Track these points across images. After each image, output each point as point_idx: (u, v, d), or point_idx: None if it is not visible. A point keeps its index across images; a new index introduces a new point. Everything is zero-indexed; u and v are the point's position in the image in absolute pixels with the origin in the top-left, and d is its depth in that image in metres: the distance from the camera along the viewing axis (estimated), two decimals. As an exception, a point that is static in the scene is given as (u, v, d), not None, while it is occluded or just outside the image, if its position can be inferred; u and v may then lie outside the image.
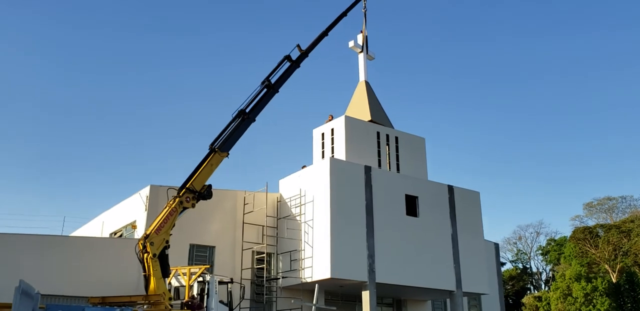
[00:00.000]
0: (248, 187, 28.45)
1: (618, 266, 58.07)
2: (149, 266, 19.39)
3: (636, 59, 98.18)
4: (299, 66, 25.11)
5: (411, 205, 28.94)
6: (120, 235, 28.24)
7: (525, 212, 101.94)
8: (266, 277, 27.30)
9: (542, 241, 75.50)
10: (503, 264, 76.80)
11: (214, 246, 26.82)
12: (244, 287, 24.00)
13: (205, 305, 21.03)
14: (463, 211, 30.75)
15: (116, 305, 18.37)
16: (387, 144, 31.02)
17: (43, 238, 23.63)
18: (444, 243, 29.37)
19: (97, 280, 23.07)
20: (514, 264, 76.40)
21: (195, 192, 21.14)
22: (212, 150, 21.94)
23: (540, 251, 74.91)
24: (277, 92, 24.25)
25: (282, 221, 28.30)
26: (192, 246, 26.20)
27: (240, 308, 25.28)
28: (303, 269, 26.32)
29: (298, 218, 27.57)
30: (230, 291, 22.61)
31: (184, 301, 20.79)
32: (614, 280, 53.79)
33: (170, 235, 20.27)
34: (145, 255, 19.48)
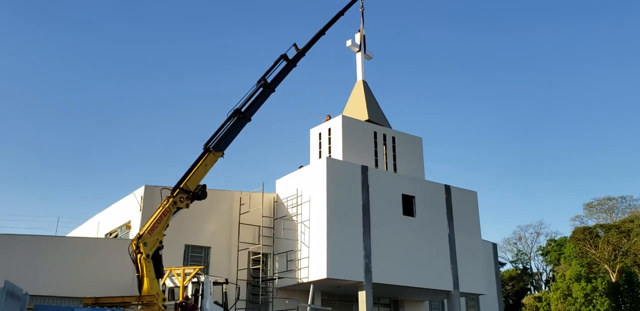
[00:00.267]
0: (246, 187, 28.35)
1: (618, 267, 57.88)
2: (142, 267, 19.22)
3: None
4: (295, 65, 24.92)
5: (408, 205, 28.78)
6: (116, 236, 28.10)
7: (525, 212, 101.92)
8: (262, 278, 27.14)
9: (542, 241, 75.43)
10: (503, 264, 76.66)
11: (209, 247, 26.66)
12: (239, 288, 23.86)
13: (199, 305, 20.85)
14: (460, 211, 30.58)
15: (109, 305, 18.22)
16: (384, 144, 30.86)
17: (37, 239, 23.48)
18: (441, 243, 29.20)
19: (91, 281, 22.92)
20: (514, 264, 76.28)
21: (189, 192, 20.94)
22: (206, 149, 21.74)
23: (540, 252, 74.75)
24: (274, 91, 24.06)
25: (279, 221, 28.15)
26: (187, 247, 26.05)
27: (236, 308, 25.10)
28: (299, 269, 26.16)
29: (295, 218, 27.42)
30: (226, 292, 22.44)
31: (178, 302, 20.60)
32: (613, 280, 53.58)
33: (164, 235, 20.09)
34: (139, 255, 19.31)
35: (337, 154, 28.99)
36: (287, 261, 26.98)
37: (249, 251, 27.42)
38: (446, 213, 30.05)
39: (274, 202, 28.85)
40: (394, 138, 31.24)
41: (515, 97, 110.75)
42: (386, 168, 30.28)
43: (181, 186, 20.84)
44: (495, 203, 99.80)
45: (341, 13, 27.98)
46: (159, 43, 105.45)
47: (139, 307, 19.25)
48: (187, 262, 25.54)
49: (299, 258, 26.38)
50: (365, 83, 33.00)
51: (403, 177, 29.72)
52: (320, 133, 30.58)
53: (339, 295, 28.75)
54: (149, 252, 19.39)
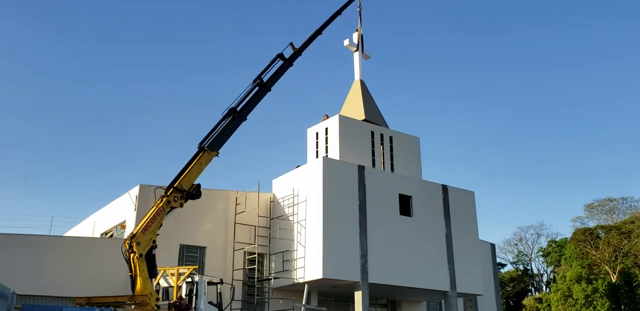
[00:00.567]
0: (243, 187, 28.23)
1: (618, 268, 57.64)
2: (135, 267, 19.09)
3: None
4: (292, 64, 24.79)
5: (405, 205, 28.63)
6: (111, 235, 28.00)
7: (526, 214, 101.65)
8: (258, 278, 27.00)
9: (543, 242, 75.24)
10: (504, 265, 76.43)
11: (204, 247, 26.53)
12: (234, 288, 23.73)
13: (193, 306, 20.72)
14: (457, 211, 30.42)
15: (102, 305, 18.09)
16: (382, 143, 30.74)
17: (31, 238, 23.34)
18: (438, 243, 29.05)
19: (86, 281, 22.81)
20: (514, 266, 76.05)
21: (183, 191, 20.82)
22: (201, 149, 21.62)
23: (541, 253, 74.54)
24: (269, 90, 23.92)
25: (275, 221, 28.01)
26: (182, 247, 25.92)
27: (231, 309, 24.98)
28: (295, 269, 26.02)
29: (291, 218, 27.29)
30: (220, 292, 22.30)
31: (172, 302, 20.47)
32: (614, 282, 53.36)
33: (158, 235, 19.96)
34: (132, 255, 19.19)
35: (334, 154, 28.86)
36: (283, 261, 26.85)
37: (245, 251, 27.28)
38: (443, 213, 29.90)
39: (271, 201, 28.73)
40: (391, 138, 31.11)
41: (515, 97, 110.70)
42: (383, 168, 30.14)
43: (175, 185, 20.72)
44: (496, 204, 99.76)
45: (338, 12, 27.83)
46: (157, 45, 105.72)
47: (132, 307, 19.15)
48: (182, 262, 25.41)
49: (295, 258, 26.25)
50: (362, 82, 32.88)
51: (400, 176, 29.58)
52: (317, 133, 30.46)
53: (335, 295, 28.61)
54: (142, 252, 19.26)
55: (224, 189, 28.15)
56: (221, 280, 22.55)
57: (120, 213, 27.13)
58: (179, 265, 24.59)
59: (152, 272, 19.68)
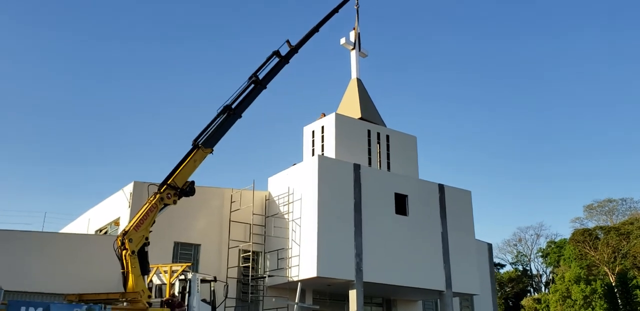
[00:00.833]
0: (240, 185, 28.07)
1: (617, 269, 57.49)
2: (127, 264, 19.03)
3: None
4: (288, 62, 24.77)
5: (401, 204, 28.53)
6: (105, 232, 27.93)
7: (525, 214, 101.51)
8: (252, 276, 26.91)
9: (542, 243, 75.09)
10: (503, 266, 76.30)
11: (199, 244, 26.45)
12: (227, 286, 23.60)
13: (186, 303, 20.62)
14: (454, 210, 30.30)
15: (93, 302, 18.01)
16: (378, 142, 30.62)
17: (24, 235, 23.21)
18: (434, 243, 28.93)
19: (80, 277, 22.73)
20: (513, 266, 75.89)
21: (177, 188, 20.76)
22: (195, 146, 21.56)
23: (540, 254, 74.40)
24: (265, 88, 23.89)
25: (270, 219, 27.94)
26: (176, 244, 25.84)
27: (225, 306, 24.93)
28: (290, 268, 25.94)
29: (286, 216, 27.20)
30: (214, 290, 22.19)
31: (164, 299, 20.39)
32: (613, 283, 53.23)
33: (150, 231, 19.89)
34: (124, 251, 19.12)
35: (330, 152, 28.78)
36: (278, 259, 26.76)
37: (240, 249, 27.20)
38: (439, 212, 29.78)
39: (266, 199, 28.64)
40: (387, 137, 31.01)
41: (516, 98, 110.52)
42: (379, 166, 30.05)
43: (168, 182, 20.66)
44: (496, 205, 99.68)
45: (335, 10, 27.81)
46: (153, 43, 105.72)
47: (124, 304, 19.07)
48: (176, 259, 25.33)
49: (290, 256, 26.16)
50: (359, 81, 32.76)
51: (396, 175, 29.47)
52: (313, 131, 30.37)
53: (330, 293, 28.53)
54: (135, 248, 19.19)
55: (220, 187, 28.08)
56: (215, 277, 22.44)
57: (114, 210, 27.06)
58: (173, 262, 24.51)
59: (145, 269, 19.61)
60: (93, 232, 29.04)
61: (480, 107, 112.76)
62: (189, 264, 21.93)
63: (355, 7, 33.21)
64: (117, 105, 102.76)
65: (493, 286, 35.98)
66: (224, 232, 27.15)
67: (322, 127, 29.85)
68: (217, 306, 22.24)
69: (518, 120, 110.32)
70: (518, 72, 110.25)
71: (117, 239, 19.32)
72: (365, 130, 30.30)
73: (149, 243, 19.75)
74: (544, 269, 74.60)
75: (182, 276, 21.10)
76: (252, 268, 27.07)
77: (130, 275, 18.96)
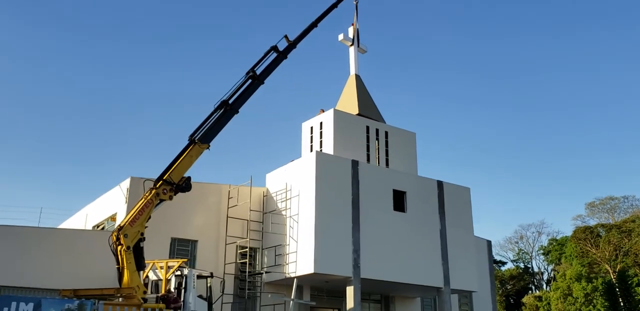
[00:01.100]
0: (238, 181, 28.01)
1: (619, 267, 57.34)
2: (122, 259, 19.01)
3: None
4: (286, 57, 24.64)
5: (399, 200, 28.40)
6: (103, 228, 27.89)
7: (527, 212, 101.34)
8: (250, 272, 26.86)
9: (544, 241, 74.97)
10: (504, 263, 76.20)
11: (196, 240, 26.36)
12: (224, 282, 23.56)
13: (182, 299, 20.56)
14: (452, 207, 30.15)
15: (88, 297, 17.99)
16: (377, 138, 30.48)
17: (20, 230, 23.15)
18: (432, 239, 28.80)
19: (76, 273, 22.66)
20: (515, 263, 75.81)
21: (173, 183, 20.70)
22: (191, 141, 21.48)
23: (541, 251, 74.27)
24: (262, 83, 23.77)
25: (268, 215, 27.86)
26: (173, 240, 25.74)
27: (222, 303, 24.89)
28: (287, 264, 25.86)
29: (284, 212, 27.12)
30: (210, 286, 22.16)
31: (160, 295, 20.36)
32: (614, 280, 53.07)
33: (146, 227, 19.86)
34: (119, 247, 19.10)
35: (329, 148, 28.67)
36: (276, 255, 26.68)
37: (237, 245, 27.13)
38: (438, 209, 29.65)
39: (264, 196, 28.56)
40: (386, 133, 30.88)
41: (518, 98, 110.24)
42: (378, 163, 29.92)
43: (164, 178, 20.60)
44: (497, 203, 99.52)
45: (334, 5, 27.62)
46: (151, 41, 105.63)
47: (120, 299, 19.04)
48: (173, 255, 25.26)
49: (287, 252, 26.08)
50: (358, 77, 32.60)
51: (394, 172, 29.35)
52: (312, 127, 30.26)
53: (327, 290, 28.44)
54: (130, 244, 19.16)
55: (216, 183, 27.99)
56: (211, 273, 22.39)
57: (111, 205, 27.01)
58: (170, 258, 24.45)
59: (140, 265, 19.58)
60: (90, 228, 29.01)
61: (481, 105, 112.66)
62: (185, 260, 21.87)
63: (355, 2, 33.01)
64: (116, 102, 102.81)
65: (492, 284, 35.85)
66: (222, 228, 27.09)
67: (321, 123, 29.74)
68: (213, 302, 22.19)
69: (520, 118, 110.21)
70: (519, 71, 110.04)
71: (112, 234, 19.28)
72: (363, 126, 30.17)
73: (144, 238, 19.73)
74: (545, 267, 74.60)
75: (178, 272, 21.05)
76: (250, 264, 27.01)
77: (125, 270, 18.94)
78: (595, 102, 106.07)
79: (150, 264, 21.39)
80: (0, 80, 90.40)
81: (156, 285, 21.58)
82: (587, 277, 53.56)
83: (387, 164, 30.20)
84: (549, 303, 56.32)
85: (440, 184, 30.24)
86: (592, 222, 67.51)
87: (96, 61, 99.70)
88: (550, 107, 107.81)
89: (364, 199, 26.92)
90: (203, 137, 21.65)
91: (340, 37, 33.08)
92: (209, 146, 21.85)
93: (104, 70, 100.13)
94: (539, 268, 75.05)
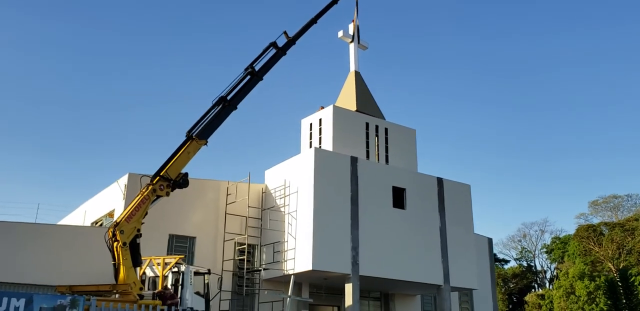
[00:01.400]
0: (239, 178, 27.89)
1: (622, 265, 57.06)
2: (118, 255, 18.95)
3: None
4: (285, 54, 24.61)
5: (398, 197, 28.24)
6: (101, 224, 27.84)
7: (530, 210, 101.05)
8: (248, 269, 26.76)
9: (547, 239, 74.65)
10: (507, 262, 75.97)
11: (194, 237, 26.27)
12: (221, 278, 23.49)
13: (179, 296, 20.49)
14: (452, 204, 29.98)
15: (84, 293, 17.90)
16: (377, 135, 30.34)
17: (17, 226, 23.03)
18: (432, 237, 28.64)
19: (74, 269, 22.58)
20: (518, 262, 75.55)
21: (169, 179, 20.63)
22: (189, 137, 21.41)
23: (544, 250, 74.00)
24: (261, 79, 23.73)
25: (266, 212, 27.75)
26: (171, 237, 25.66)
27: (220, 300, 24.83)
28: (286, 261, 25.76)
29: (282, 209, 27.00)
30: (208, 283, 22.09)
31: (156, 291, 20.27)
32: (616, 278, 52.82)
33: (143, 223, 19.79)
34: (115, 243, 19.04)
35: (328, 145, 28.54)
36: (274, 252, 26.58)
37: (235, 242, 27.05)
38: (438, 206, 29.49)
39: (263, 192, 28.45)
40: (386, 130, 30.72)
41: (520, 97, 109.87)
42: (377, 159, 29.77)
43: (161, 174, 20.52)
44: (500, 201, 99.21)
45: (334, 2, 27.56)
46: (150, 35, 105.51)
47: (116, 296, 18.96)
48: (171, 252, 25.19)
49: (286, 249, 25.98)
50: (358, 73, 32.42)
51: (394, 168, 29.19)
52: (311, 124, 30.14)
53: (326, 287, 28.35)
54: (126, 240, 19.10)
55: (215, 179, 27.90)
56: (209, 270, 22.33)
57: (109, 202, 26.94)
58: (168, 255, 24.38)
59: (136, 261, 19.51)
60: (89, 224, 28.96)
61: (483, 104, 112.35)
62: (182, 256, 21.79)
63: (355, -1, 32.87)
64: (114, 97, 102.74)
65: (493, 282, 35.68)
66: (220, 224, 27.00)
67: (320, 120, 29.61)
68: (210, 299, 22.12)
69: (522, 117, 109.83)
70: (519, 69, 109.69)
71: (108, 230, 19.22)
72: (363, 122, 30.03)
73: (141, 235, 19.65)
74: (548, 265, 74.31)
75: (175, 269, 20.98)
76: (248, 261, 26.92)
77: (121, 266, 18.88)
78: (598, 101, 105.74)
79: (147, 260, 21.33)
80: (5, 75, 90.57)
81: (153, 281, 21.52)
82: (590, 276, 53.32)
83: (386, 161, 30.06)
84: (551, 302, 56.11)
85: (440, 181, 30.07)
86: (596, 220, 67.30)
87: (95, 56, 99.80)
88: (551, 107, 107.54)
89: (363, 196, 26.78)
90: (201, 133, 21.61)
91: (340, 33, 32.91)
92: (207, 142, 21.80)
93: (103, 65, 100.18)
94: (541, 266, 74.86)
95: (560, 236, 72.18)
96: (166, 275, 20.99)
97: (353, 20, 33.14)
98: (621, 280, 48.35)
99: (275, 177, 28.24)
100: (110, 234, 19.11)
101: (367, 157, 29.36)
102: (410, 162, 30.76)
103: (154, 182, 20.29)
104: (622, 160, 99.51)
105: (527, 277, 71.06)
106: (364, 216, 26.48)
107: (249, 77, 23.31)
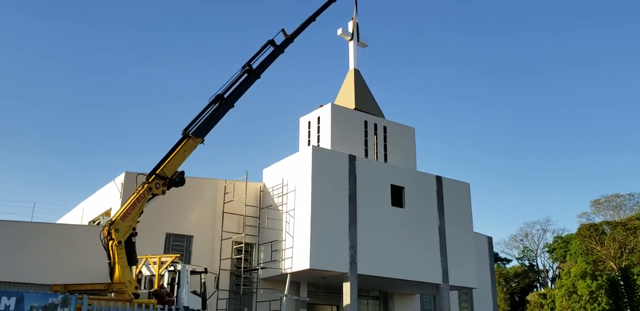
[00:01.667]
0: (236, 176, 27.80)
1: (624, 264, 56.82)
2: (113, 254, 18.86)
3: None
4: (283, 52, 24.47)
5: (397, 196, 28.08)
6: (98, 223, 27.74)
7: (532, 209, 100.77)
8: (245, 268, 26.64)
9: (549, 238, 74.43)
10: (509, 261, 75.77)
11: (191, 236, 26.17)
12: (218, 277, 23.38)
13: (175, 294, 20.37)
14: (452, 202, 29.80)
15: (79, 292, 17.82)
16: (375, 133, 30.19)
17: (14, 225, 23.00)
18: (431, 235, 28.48)
19: (70, 268, 22.52)
20: (520, 261, 75.31)
21: (165, 178, 20.53)
22: (185, 135, 21.30)
23: (546, 249, 73.77)
24: (259, 77, 23.60)
25: (264, 211, 27.63)
26: (168, 236, 25.57)
27: (217, 299, 24.73)
28: (283, 260, 25.63)
29: (280, 208, 26.87)
30: (204, 282, 21.94)
31: (152, 290, 20.17)
32: (618, 278, 52.61)
33: (138, 222, 19.69)
34: (110, 242, 18.94)
35: (326, 143, 28.40)
36: (272, 251, 26.47)
37: (233, 241, 26.93)
38: (437, 204, 29.32)
39: (260, 191, 28.32)
40: (385, 128, 30.56)
41: (521, 97, 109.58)
42: (376, 158, 29.62)
43: (157, 172, 20.42)
44: (502, 200, 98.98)
45: (333, -1, 27.36)
46: (148, 33, 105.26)
47: (111, 295, 18.88)
48: (168, 251, 25.08)
49: (283, 248, 25.85)
50: (357, 71, 32.26)
51: (392, 167, 29.03)
52: (309, 122, 30.01)
53: (324, 286, 28.21)
54: (121, 239, 19.00)
55: (212, 177, 27.80)
56: (205, 269, 22.16)
57: (106, 201, 26.87)
58: (165, 253, 24.27)
59: (132, 260, 19.42)
60: (87, 223, 28.89)
61: (483, 103, 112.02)
62: (178, 255, 21.67)
63: (354, -4, 32.72)
64: (112, 97, 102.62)
65: (493, 280, 35.50)
66: (217, 223, 26.88)
67: (318, 118, 29.47)
68: (207, 298, 21.99)
69: (522, 117, 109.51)
70: (519, 68, 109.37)
71: (103, 229, 19.12)
72: (362, 121, 29.88)
73: (136, 233, 19.57)
74: (550, 264, 74.11)
75: (172, 268, 20.86)
76: (246, 260, 26.80)
77: (116, 265, 18.79)
78: (599, 101, 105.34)
79: (144, 259, 21.22)
80: (4, 75, 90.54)
81: (150, 280, 21.40)
82: (592, 275, 53.09)
83: (385, 159, 29.90)
84: (553, 301, 55.92)
85: (439, 179, 29.90)
86: (598, 220, 67.05)
87: (95, 56, 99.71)
88: (551, 106, 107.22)
89: (361, 194, 26.63)
90: (197, 131, 21.51)
91: (339, 31, 32.75)
92: (203, 140, 21.70)
93: (103, 65, 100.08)
94: (543, 265, 74.65)
95: (562, 235, 71.99)
96: (162, 274, 20.88)
97: (352, 18, 33.00)
98: (623, 279, 48.17)
99: (273, 176, 28.11)
100: (106, 233, 19.02)
101: (366, 155, 29.22)
102: (409, 160, 30.60)
103: (150, 180, 20.20)
104: (624, 160, 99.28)
105: (529, 276, 70.88)
106: (362, 214, 26.34)
107: (246, 75, 23.18)
